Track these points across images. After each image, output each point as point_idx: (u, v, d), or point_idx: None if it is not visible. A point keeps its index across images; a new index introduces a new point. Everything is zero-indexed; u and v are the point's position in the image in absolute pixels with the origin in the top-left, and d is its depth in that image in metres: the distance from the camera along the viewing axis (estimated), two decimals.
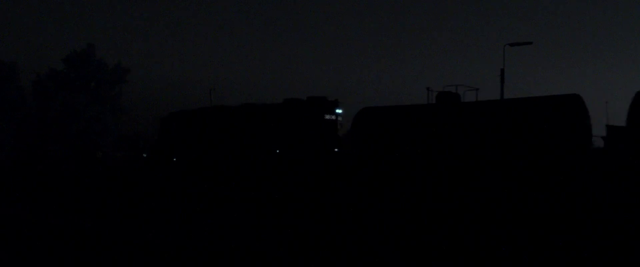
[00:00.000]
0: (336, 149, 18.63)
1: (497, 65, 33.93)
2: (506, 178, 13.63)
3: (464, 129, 14.66)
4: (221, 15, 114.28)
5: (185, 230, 13.60)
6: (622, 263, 9.57)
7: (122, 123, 52.79)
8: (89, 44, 52.77)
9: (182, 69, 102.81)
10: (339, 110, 19.35)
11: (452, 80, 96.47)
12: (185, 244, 12.02)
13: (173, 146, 22.55)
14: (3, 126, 49.93)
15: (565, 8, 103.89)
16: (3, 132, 50.00)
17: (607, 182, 12.50)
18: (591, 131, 13.58)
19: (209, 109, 23.04)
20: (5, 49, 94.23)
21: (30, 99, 52.39)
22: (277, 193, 16.91)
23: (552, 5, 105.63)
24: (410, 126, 15.64)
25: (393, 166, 15.51)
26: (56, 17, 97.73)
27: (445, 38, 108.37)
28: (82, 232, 14.70)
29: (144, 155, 25.55)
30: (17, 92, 51.69)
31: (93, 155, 44.64)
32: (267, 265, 10.16)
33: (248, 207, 15.99)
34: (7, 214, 18.92)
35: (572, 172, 13.00)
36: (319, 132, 18.83)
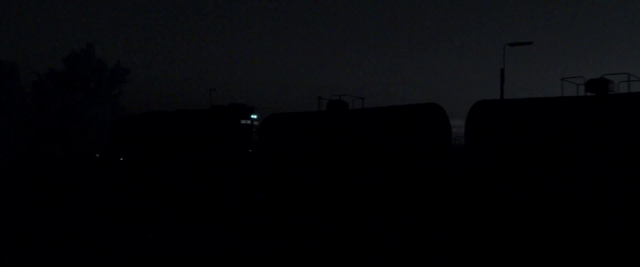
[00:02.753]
0: (250, 150, 21.20)
1: (498, 65, 33.91)
2: (381, 177, 15.96)
3: (349, 133, 17.16)
4: (221, 16, 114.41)
5: (120, 223, 15.64)
6: (479, 256, 11.03)
7: None
8: (88, 44, 52.77)
9: (182, 69, 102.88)
10: (254, 116, 22.14)
11: (451, 81, 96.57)
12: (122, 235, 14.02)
13: (120, 147, 25.29)
14: (3, 126, 49.93)
15: (565, 8, 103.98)
16: (3, 132, 50.00)
17: (459, 181, 14.87)
18: (451, 135, 15.77)
19: (149, 113, 26.05)
20: (5, 49, 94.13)
21: (30, 99, 52.37)
22: (201, 188, 20.07)
23: (552, 5, 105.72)
24: (305, 131, 18.21)
25: (290, 166, 18.19)
26: (56, 17, 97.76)
27: (444, 38, 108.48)
28: (81, 232, 14.79)
29: (97, 155, 27.83)
30: (17, 92, 51.67)
31: (93, 155, 44.76)
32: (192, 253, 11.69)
33: (177, 201, 19.29)
34: (7, 214, 19.00)
35: (430, 172, 15.28)
36: (235, 135, 21.66)
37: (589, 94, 14.27)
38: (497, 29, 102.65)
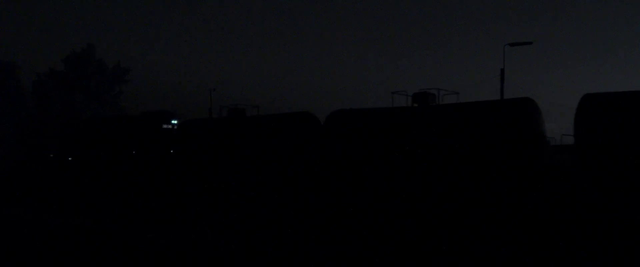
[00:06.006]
0: (171, 151, 23.65)
1: (498, 65, 33.98)
2: (267, 177, 18.01)
3: (244, 137, 19.67)
4: (221, 16, 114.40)
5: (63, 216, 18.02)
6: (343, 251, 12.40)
7: None
8: (88, 44, 52.84)
9: (182, 69, 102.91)
10: (174, 121, 24.54)
11: (449, 82, 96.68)
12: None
13: (70, 149, 28.22)
14: (3, 126, 49.99)
15: (565, 8, 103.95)
16: (3, 132, 50.07)
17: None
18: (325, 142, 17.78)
19: (93, 119, 29.40)
20: (5, 49, 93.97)
21: (30, 99, 52.41)
22: (131, 186, 22.91)
23: (552, 5, 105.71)
24: (210, 134, 21.12)
25: (199, 165, 20.70)
26: (56, 17, 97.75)
27: (444, 38, 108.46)
28: (82, 232, 14.89)
29: (51, 155, 30.13)
30: (17, 92, 51.73)
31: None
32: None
33: (112, 196, 22.49)
34: (7, 214, 19.12)
35: (301, 172, 17.24)
36: (158, 138, 24.20)
37: (415, 105, 16.89)
38: (497, 28, 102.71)
